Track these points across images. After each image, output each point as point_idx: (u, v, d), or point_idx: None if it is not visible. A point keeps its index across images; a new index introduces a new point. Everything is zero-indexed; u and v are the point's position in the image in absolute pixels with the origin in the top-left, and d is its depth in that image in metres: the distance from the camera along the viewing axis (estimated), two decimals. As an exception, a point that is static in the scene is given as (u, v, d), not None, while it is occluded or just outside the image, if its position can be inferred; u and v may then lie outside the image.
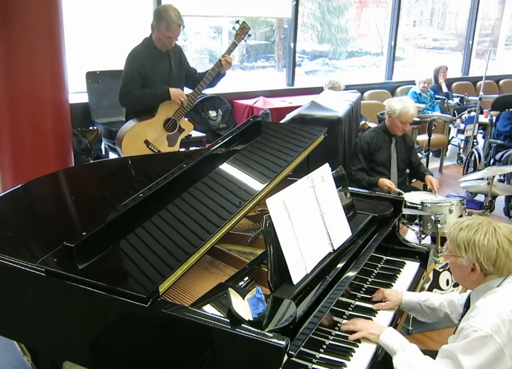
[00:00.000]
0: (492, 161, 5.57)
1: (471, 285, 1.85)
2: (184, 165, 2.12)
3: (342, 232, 2.19)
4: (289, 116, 3.99)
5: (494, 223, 1.79)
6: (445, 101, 6.79)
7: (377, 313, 2.10)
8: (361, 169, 3.89)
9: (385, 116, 3.98)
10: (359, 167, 3.90)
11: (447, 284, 3.33)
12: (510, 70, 9.00)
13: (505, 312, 1.66)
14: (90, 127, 4.95)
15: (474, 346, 1.63)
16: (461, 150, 6.68)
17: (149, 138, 3.53)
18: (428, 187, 3.89)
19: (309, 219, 2.03)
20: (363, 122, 4.88)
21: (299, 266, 1.88)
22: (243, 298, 1.60)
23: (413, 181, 4.30)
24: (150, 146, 3.53)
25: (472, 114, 5.95)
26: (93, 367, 1.78)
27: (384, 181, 3.76)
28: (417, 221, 3.49)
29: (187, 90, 3.83)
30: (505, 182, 5.14)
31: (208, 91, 5.48)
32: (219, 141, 2.35)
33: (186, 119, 3.68)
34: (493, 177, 3.71)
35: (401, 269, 2.47)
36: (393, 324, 2.08)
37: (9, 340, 2.21)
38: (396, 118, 3.82)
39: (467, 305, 1.92)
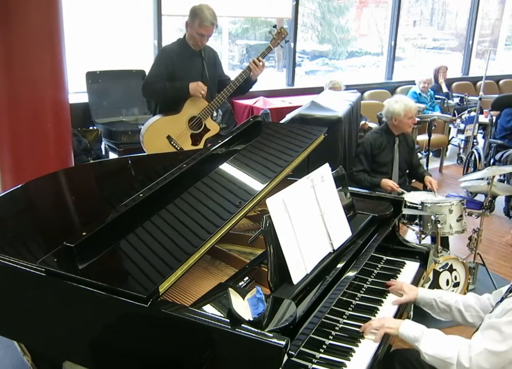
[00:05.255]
0: (492, 161, 5.57)
1: None
2: (184, 165, 2.12)
3: (342, 232, 2.19)
4: (289, 116, 3.98)
5: None
6: (445, 101, 6.79)
7: (376, 313, 2.10)
8: (362, 170, 3.91)
9: (386, 119, 3.98)
10: (360, 168, 3.91)
11: (447, 284, 3.33)
12: (510, 70, 8.99)
13: None
14: (90, 127, 4.95)
15: None
16: (461, 150, 6.69)
17: (171, 134, 3.50)
18: (428, 187, 3.90)
19: (309, 219, 2.03)
20: (363, 122, 4.87)
21: (299, 266, 1.88)
22: (243, 298, 1.60)
23: (413, 181, 4.31)
24: (172, 143, 3.50)
25: (472, 114, 5.95)
26: (93, 367, 1.77)
27: (387, 182, 3.77)
28: (417, 221, 3.50)
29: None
30: (505, 182, 5.15)
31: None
32: (219, 141, 2.35)
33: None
34: (493, 177, 3.71)
35: (401, 269, 2.48)
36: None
37: (9, 340, 2.21)
38: (404, 117, 3.85)
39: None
